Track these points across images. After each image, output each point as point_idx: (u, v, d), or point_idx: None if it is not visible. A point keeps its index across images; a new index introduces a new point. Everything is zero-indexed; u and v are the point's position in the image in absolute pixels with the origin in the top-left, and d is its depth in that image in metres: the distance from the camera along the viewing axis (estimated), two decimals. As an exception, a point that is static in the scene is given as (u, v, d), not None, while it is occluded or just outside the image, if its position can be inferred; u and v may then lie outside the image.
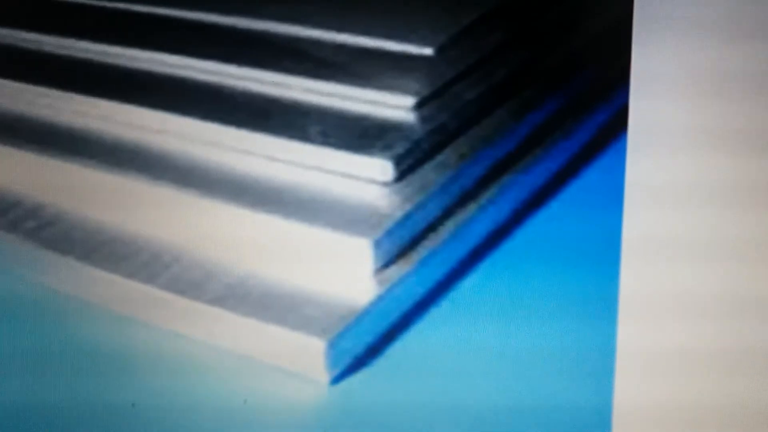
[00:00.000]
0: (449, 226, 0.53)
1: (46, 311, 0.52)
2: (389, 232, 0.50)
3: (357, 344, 0.49)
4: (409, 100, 0.54)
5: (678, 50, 0.48)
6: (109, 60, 0.61)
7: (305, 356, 0.48)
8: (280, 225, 0.51)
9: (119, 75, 0.60)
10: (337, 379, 0.49)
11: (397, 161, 0.52)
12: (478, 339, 0.51)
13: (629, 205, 0.49)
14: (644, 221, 0.48)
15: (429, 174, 0.53)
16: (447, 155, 0.54)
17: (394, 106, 0.54)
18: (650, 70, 0.48)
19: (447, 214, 0.53)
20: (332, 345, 0.48)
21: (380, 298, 0.50)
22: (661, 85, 0.48)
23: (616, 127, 0.52)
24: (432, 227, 0.53)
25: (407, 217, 0.51)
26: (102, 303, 0.52)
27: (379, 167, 0.52)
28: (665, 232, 0.48)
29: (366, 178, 0.52)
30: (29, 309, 0.52)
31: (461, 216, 0.53)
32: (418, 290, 0.52)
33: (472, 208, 0.54)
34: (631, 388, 0.48)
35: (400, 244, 0.51)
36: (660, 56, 0.48)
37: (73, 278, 0.52)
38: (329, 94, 0.55)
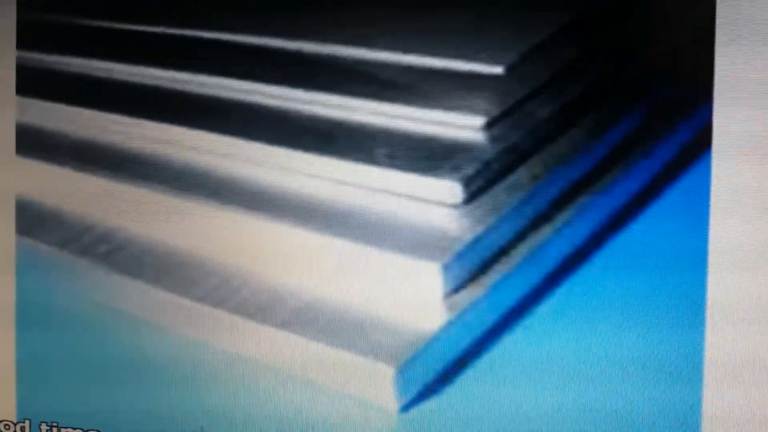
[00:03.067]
0: (522, 249, 0.51)
1: (117, 334, 0.53)
2: (459, 256, 0.49)
3: (427, 371, 0.48)
4: (479, 120, 0.53)
5: (764, 60, 0.46)
6: (178, 86, 0.61)
7: (374, 383, 0.48)
8: (347, 248, 0.50)
9: (188, 101, 0.60)
10: (406, 407, 0.48)
11: (467, 183, 0.51)
12: (553, 366, 0.49)
13: (715, 214, 0.47)
14: (731, 230, 0.47)
15: (500, 195, 0.51)
16: (519, 176, 0.53)
17: (463, 126, 0.53)
18: (735, 81, 0.46)
19: (520, 237, 0.52)
20: (401, 371, 0.47)
21: (450, 324, 0.48)
22: (746, 96, 0.46)
23: (699, 145, 0.50)
24: (504, 251, 0.51)
25: (478, 240, 0.50)
26: (172, 326, 0.52)
27: (448, 189, 0.51)
28: (753, 241, 0.46)
29: (434, 201, 0.51)
30: (100, 332, 0.53)
31: (535, 239, 0.52)
32: (490, 316, 0.50)
33: (546, 231, 0.52)
34: (720, 398, 0.46)
35: (471, 268, 0.50)
36: (745, 66, 0.46)
37: (143, 302, 0.53)
38: (396, 116, 0.55)
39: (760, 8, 0.46)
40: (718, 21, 0.47)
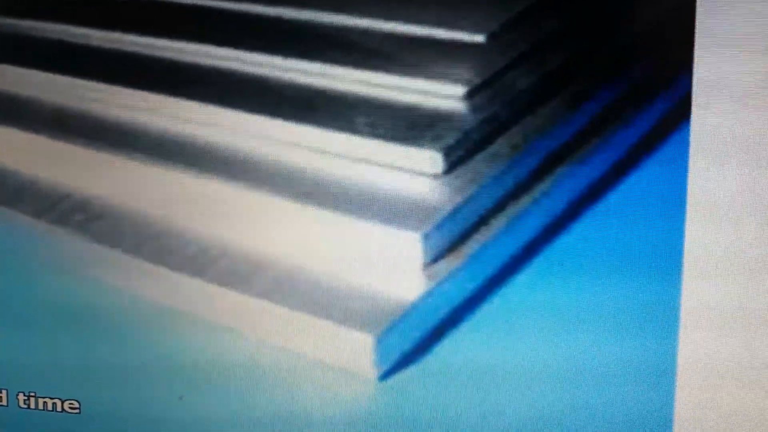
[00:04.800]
0: (502, 219, 0.51)
1: (93, 304, 0.53)
2: (439, 226, 0.49)
3: (405, 340, 0.49)
4: (460, 90, 0.53)
5: (743, 58, 0.46)
6: (156, 53, 0.60)
7: (353, 351, 0.48)
8: (327, 218, 0.50)
9: (166, 68, 0.59)
10: (385, 376, 0.48)
11: (447, 152, 0.51)
12: (530, 337, 0.49)
13: (691, 214, 0.47)
14: (707, 232, 0.47)
15: (480, 165, 0.52)
16: (499, 146, 0.53)
17: (444, 95, 0.53)
18: (714, 77, 0.46)
19: (499, 207, 0.52)
20: (380, 340, 0.47)
21: (429, 294, 0.49)
22: (726, 93, 0.46)
23: (677, 116, 0.50)
24: (483, 221, 0.51)
25: (457, 210, 0.50)
26: (149, 296, 0.52)
27: (429, 159, 0.51)
28: (729, 242, 0.47)
29: (415, 170, 0.51)
30: (76, 301, 0.53)
31: (514, 209, 0.52)
32: (469, 286, 0.50)
33: (525, 200, 0.52)
34: (693, 399, 0.46)
35: (450, 238, 0.50)
36: (725, 64, 0.46)
37: (120, 271, 0.53)
38: (377, 85, 0.54)
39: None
40: (697, 20, 0.47)
